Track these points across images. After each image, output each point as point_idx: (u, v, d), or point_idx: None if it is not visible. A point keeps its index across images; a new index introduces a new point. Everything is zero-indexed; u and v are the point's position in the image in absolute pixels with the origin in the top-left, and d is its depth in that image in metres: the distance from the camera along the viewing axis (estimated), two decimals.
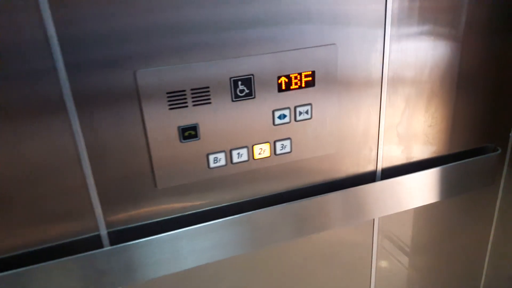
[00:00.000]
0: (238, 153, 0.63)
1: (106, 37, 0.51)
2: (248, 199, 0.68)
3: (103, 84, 0.53)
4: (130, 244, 0.61)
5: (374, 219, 0.80)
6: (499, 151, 0.82)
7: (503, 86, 0.79)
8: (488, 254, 0.97)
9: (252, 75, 0.59)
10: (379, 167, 0.75)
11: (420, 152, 0.78)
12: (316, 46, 0.62)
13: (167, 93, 0.56)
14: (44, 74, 0.50)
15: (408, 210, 0.82)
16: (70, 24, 0.49)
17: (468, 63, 0.73)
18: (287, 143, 0.66)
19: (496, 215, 0.92)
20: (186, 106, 0.58)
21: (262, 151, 0.65)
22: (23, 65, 0.49)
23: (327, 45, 0.62)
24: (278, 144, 0.65)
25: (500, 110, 0.81)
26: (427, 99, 0.73)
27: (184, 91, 0.57)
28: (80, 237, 0.61)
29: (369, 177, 0.75)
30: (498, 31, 0.73)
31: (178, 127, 0.58)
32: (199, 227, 0.64)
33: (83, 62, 0.51)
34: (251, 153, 0.64)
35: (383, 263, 0.86)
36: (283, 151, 0.66)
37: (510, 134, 0.85)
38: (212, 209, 0.66)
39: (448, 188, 0.81)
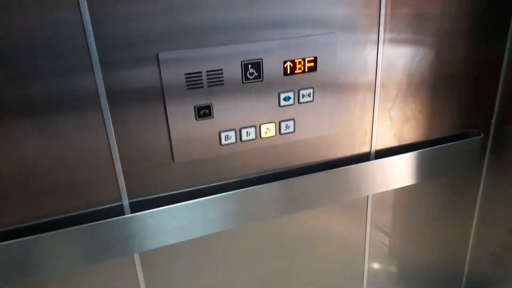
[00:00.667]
0: (247, 132, 0.70)
1: (133, 23, 0.57)
2: (255, 175, 0.75)
3: (130, 65, 0.59)
4: (148, 212, 0.67)
5: (368, 196, 0.87)
6: (482, 136, 0.90)
7: (486, 76, 0.86)
8: (472, 232, 1.04)
9: (261, 59, 0.66)
10: (373, 148, 0.82)
11: (411, 135, 0.85)
12: (318, 34, 0.68)
13: (186, 74, 0.62)
14: (77, 53, 0.57)
15: (398, 190, 0.89)
16: (103, 11, 0.56)
17: (454, 57, 0.81)
18: (291, 123, 0.72)
19: (479, 197, 1.00)
20: (202, 87, 0.64)
21: (268, 130, 0.71)
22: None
23: (328, 33, 0.69)
24: (283, 124, 0.72)
25: (484, 98, 0.89)
26: (417, 86, 0.80)
27: (200, 72, 0.63)
28: (105, 206, 0.67)
29: (364, 157, 0.82)
30: (481, 32, 0.80)
31: (194, 106, 0.65)
32: (210, 198, 0.70)
33: (112, 45, 0.58)
34: (258, 132, 0.71)
35: (376, 240, 0.93)
36: (287, 131, 0.73)
37: (492, 121, 0.93)
38: (222, 184, 0.73)
39: (435, 169, 0.88)
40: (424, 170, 0.87)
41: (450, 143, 0.87)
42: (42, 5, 0.53)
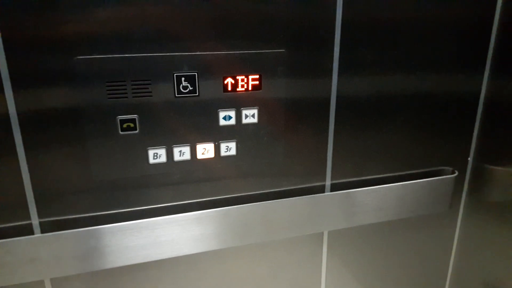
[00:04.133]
0: (180, 151, 0.63)
1: (48, 21, 0.52)
2: (189, 201, 0.67)
3: (43, 68, 0.54)
4: (60, 234, 0.60)
5: (323, 233, 0.78)
6: (456, 174, 0.81)
7: (463, 111, 0.79)
8: (448, 281, 0.94)
9: (196, 73, 0.60)
10: (328, 180, 0.74)
11: (374, 169, 0.77)
12: (265, 51, 0.63)
13: (107, 82, 0.57)
14: None
15: (359, 228, 0.81)
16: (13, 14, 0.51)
17: (425, 86, 0.74)
18: (232, 145, 0.66)
19: (455, 242, 0.91)
20: (126, 97, 0.58)
21: (205, 151, 0.65)
22: None
23: (276, 50, 0.63)
24: (223, 146, 0.65)
25: (460, 134, 0.81)
26: (382, 115, 0.73)
27: (124, 81, 0.57)
28: (12, 224, 0.60)
29: (317, 190, 0.74)
30: (458, 63, 0.74)
31: (117, 118, 0.59)
32: (133, 224, 0.63)
33: (22, 43, 0.52)
34: (194, 152, 0.64)
35: (332, 283, 0.84)
36: (228, 153, 0.66)
37: (469, 159, 0.85)
38: (150, 208, 0.65)
39: (402, 207, 0.80)
40: (389, 208, 0.79)
41: (419, 180, 0.79)
42: None
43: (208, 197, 0.68)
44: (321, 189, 0.74)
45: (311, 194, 0.72)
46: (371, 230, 0.82)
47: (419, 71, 0.73)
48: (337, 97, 0.69)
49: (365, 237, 0.83)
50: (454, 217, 0.89)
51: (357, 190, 0.75)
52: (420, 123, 0.77)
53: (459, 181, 0.85)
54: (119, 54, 0.56)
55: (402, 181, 0.78)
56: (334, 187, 0.75)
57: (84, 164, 0.60)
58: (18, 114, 0.55)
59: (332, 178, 0.74)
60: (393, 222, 0.83)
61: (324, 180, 0.74)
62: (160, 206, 0.66)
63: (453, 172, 0.83)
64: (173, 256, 0.67)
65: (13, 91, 0.54)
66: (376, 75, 0.70)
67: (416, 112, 0.76)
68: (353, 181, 0.76)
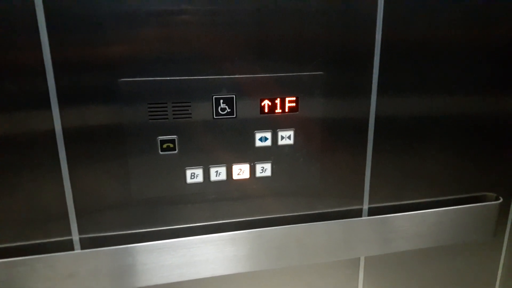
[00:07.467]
0: (216, 171, 0.64)
1: (94, 44, 0.55)
2: (225, 221, 0.67)
3: (87, 89, 0.56)
4: (97, 251, 0.61)
5: (359, 258, 0.76)
6: (501, 200, 0.78)
7: (508, 134, 0.76)
8: None
9: (235, 95, 0.61)
10: (366, 204, 0.72)
11: (413, 193, 0.75)
12: (303, 73, 0.63)
13: (149, 104, 0.58)
14: (34, 75, 0.54)
15: (397, 255, 0.78)
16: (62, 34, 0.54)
17: (468, 107, 0.72)
18: (267, 166, 0.66)
19: (499, 273, 0.86)
20: (167, 119, 0.60)
21: (241, 171, 0.65)
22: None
23: (314, 73, 0.63)
24: (258, 166, 0.65)
25: (504, 158, 0.78)
26: (421, 138, 0.71)
27: (165, 103, 0.59)
28: (54, 240, 0.62)
29: (354, 214, 0.72)
30: (500, 82, 0.72)
31: (157, 139, 0.60)
32: (170, 242, 0.64)
33: (70, 70, 0.55)
34: (230, 172, 0.64)
35: None
36: (263, 174, 0.66)
37: None
38: (187, 227, 0.66)
39: (442, 234, 0.76)
40: (429, 235, 0.76)
41: (460, 206, 0.76)
42: None
43: (243, 218, 0.68)
44: (358, 213, 0.72)
45: (348, 218, 0.71)
46: (410, 257, 0.79)
47: (460, 92, 0.71)
48: (376, 119, 0.68)
49: (404, 263, 0.80)
50: (498, 246, 0.85)
51: (395, 215, 0.73)
52: (462, 146, 0.74)
53: (504, 208, 0.81)
54: (160, 77, 0.58)
55: (442, 207, 0.75)
56: (371, 212, 0.73)
57: (124, 183, 0.61)
58: (63, 132, 0.57)
59: (370, 202, 0.72)
60: (433, 249, 0.79)
61: (362, 204, 0.72)
62: (196, 225, 0.66)
63: (497, 199, 0.79)
64: (208, 276, 0.67)
65: (60, 109, 0.56)
66: (416, 96, 0.69)
67: (457, 135, 0.73)
68: (391, 205, 0.74)
